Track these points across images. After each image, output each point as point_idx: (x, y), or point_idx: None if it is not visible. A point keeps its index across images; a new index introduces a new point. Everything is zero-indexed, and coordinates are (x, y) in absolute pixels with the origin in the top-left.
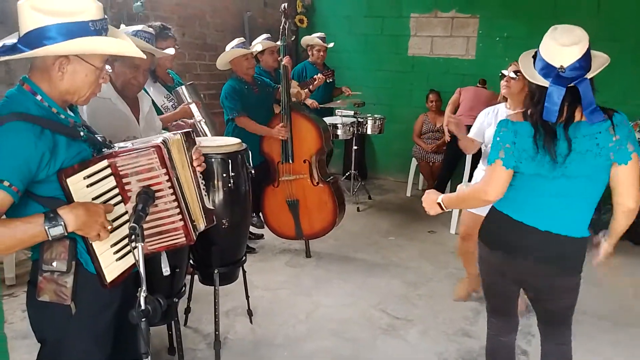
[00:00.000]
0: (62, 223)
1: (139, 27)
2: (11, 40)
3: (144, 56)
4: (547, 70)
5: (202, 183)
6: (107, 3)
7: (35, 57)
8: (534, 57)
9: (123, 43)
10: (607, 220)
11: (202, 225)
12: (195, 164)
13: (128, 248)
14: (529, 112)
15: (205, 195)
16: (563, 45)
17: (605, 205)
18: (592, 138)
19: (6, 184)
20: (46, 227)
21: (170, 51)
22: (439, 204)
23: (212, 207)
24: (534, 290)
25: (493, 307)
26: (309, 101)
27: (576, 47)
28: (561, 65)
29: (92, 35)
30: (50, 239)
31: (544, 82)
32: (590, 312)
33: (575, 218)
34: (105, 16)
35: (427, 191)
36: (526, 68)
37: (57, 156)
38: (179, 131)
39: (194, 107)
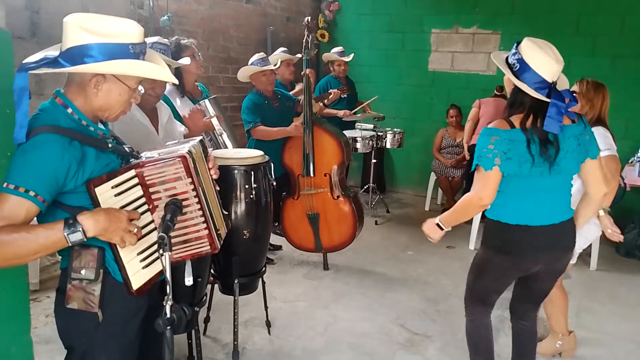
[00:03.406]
0: (81, 229)
1: (154, 39)
2: (53, 52)
3: (176, 81)
4: (543, 84)
5: (217, 190)
6: (135, 17)
7: (73, 72)
8: (514, 66)
9: (158, 69)
10: (630, 240)
11: (224, 232)
12: (211, 172)
13: (154, 256)
14: (518, 122)
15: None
16: (558, 62)
17: (629, 224)
18: (575, 139)
19: (32, 193)
20: (65, 234)
21: (185, 60)
22: (437, 224)
23: (226, 212)
24: (537, 276)
25: (482, 299)
26: (340, 112)
27: (562, 64)
28: (553, 81)
29: (131, 58)
30: (70, 244)
31: (540, 96)
32: (618, 334)
33: (566, 203)
34: (145, 40)
35: (425, 221)
36: (513, 77)
37: (85, 167)
38: (194, 139)
39: (214, 121)
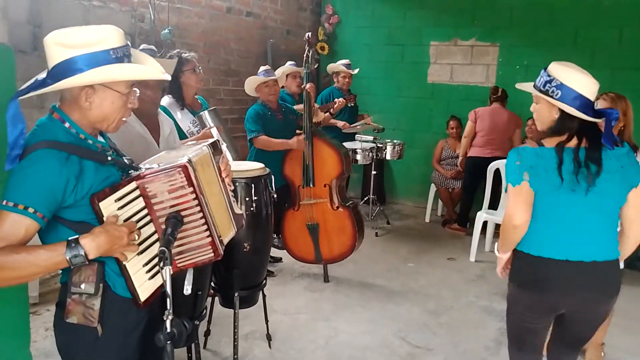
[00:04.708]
0: (83, 253)
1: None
2: (42, 75)
3: (168, 77)
4: (588, 105)
5: (230, 190)
6: (135, 31)
7: (63, 89)
8: (554, 93)
9: (144, 68)
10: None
11: (231, 232)
12: (223, 174)
13: (158, 267)
14: (550, 143)
15: (233, 200)
16: (595, 83)
17: None
18: (618, 160)
19: (31, 210)
20: (67, 257)
21: (174, 61)
22: (499, 257)
23: (241, 212)
24: (572, 319)
25: (520, 344)
26: (340, 123)
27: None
28: (594, 101)
29: (113, 63)
30: (72, 267)
31: (591, 118)
32: (619, 347)
33: (603, 239)
34: (127, 42)
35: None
36: (562, 105)
37: (83, 181)
38: (206, 142)
39: (214, 131)
